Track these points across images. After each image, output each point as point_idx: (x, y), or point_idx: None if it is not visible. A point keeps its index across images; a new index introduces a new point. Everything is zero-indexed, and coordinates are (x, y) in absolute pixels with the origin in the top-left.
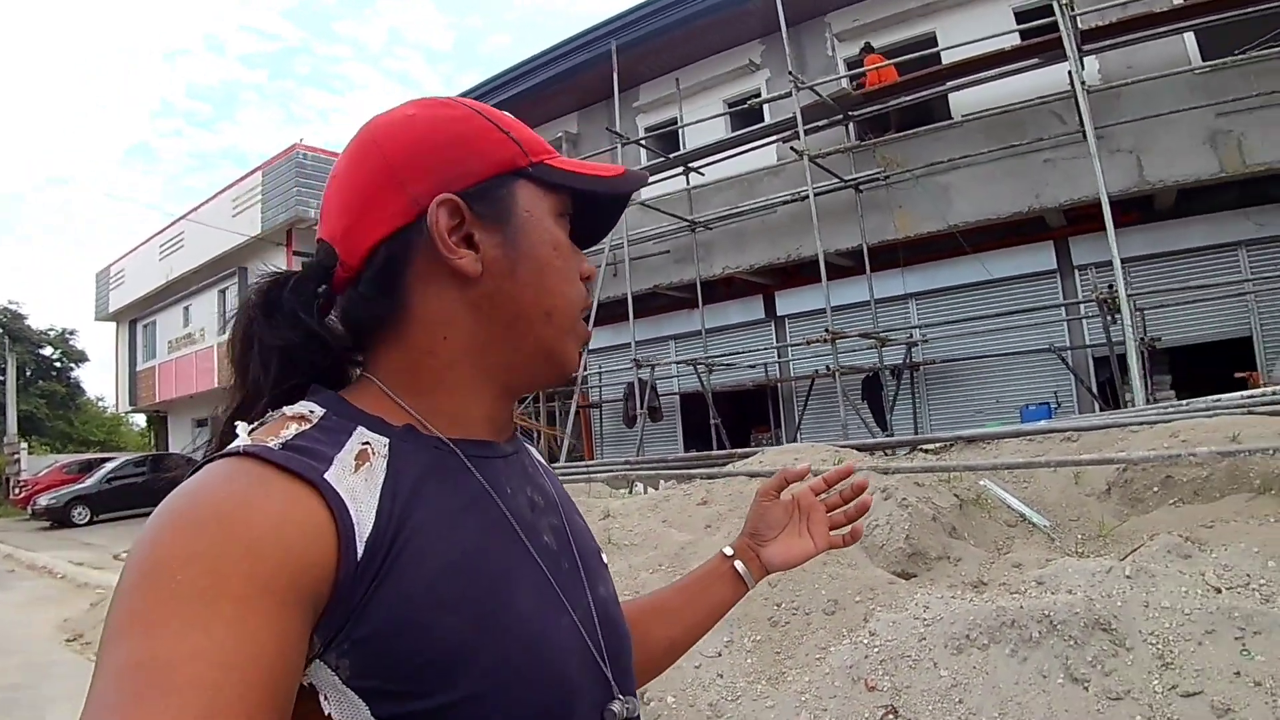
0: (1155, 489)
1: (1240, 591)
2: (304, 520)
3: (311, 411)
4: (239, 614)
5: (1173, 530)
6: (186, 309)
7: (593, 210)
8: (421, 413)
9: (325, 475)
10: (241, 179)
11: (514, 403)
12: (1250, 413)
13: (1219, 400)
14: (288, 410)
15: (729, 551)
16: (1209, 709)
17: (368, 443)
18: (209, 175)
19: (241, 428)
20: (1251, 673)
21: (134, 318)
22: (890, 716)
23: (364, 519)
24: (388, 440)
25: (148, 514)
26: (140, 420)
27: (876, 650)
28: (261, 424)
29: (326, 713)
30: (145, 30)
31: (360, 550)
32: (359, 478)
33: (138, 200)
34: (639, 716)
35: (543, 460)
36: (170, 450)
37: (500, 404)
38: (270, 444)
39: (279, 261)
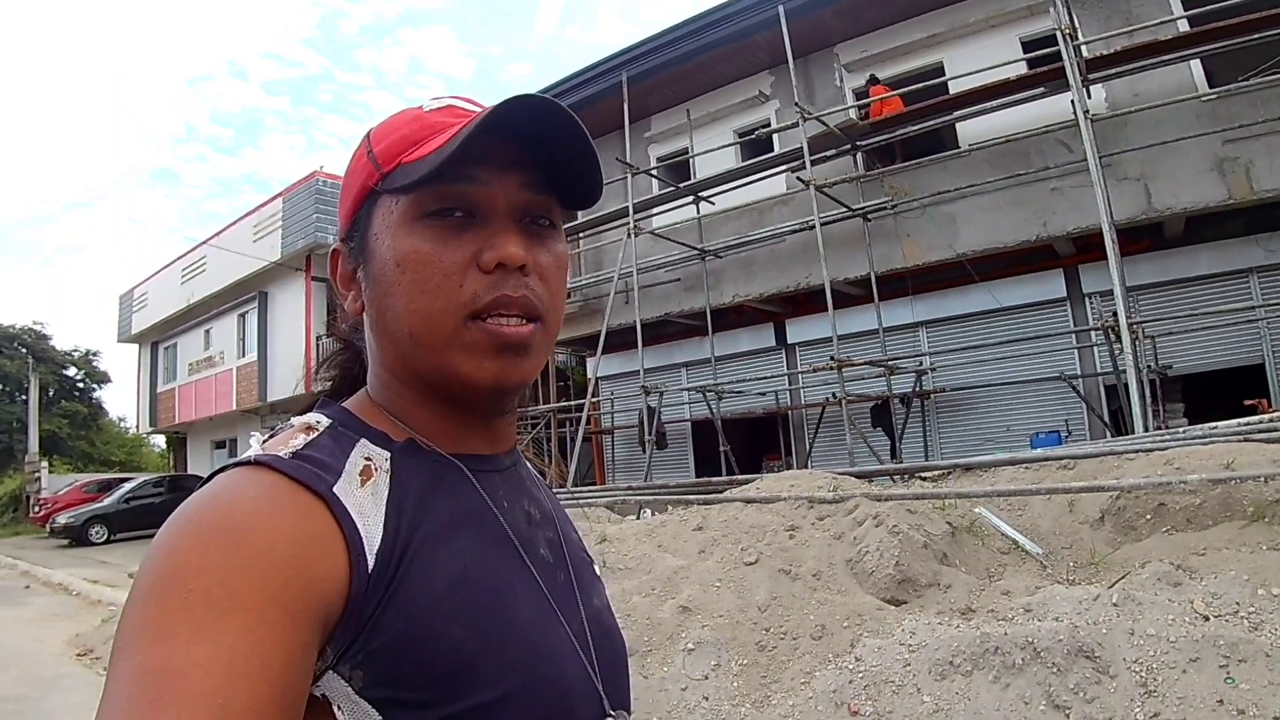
0: (1148, 517)
1: (1228, 619)
2: (315, 534)
3: (319, 422)
4: (249, 625)
5: (1164, 558)
6: (207, 332)
7: (553, 156)
8: (413, 427)
9: (334, 488)
10: (263, 205)
11: (493, 416)
12: (1247, 440)
13: (1215, 428)
14: (295, 421)
15: None
16: None
17: (370, 458)
18: (230, 200)
19: (255, 437)
20: (1235, 701)
21: (155, 340)
22: None
23: (372, 533)
24: (389, 455)
25: None
26: (160, 441)
27: (861, 675)
28: (273, 434)
29: None
30: (170, 56)
31: (371, 564)
32: (365, 492)
33: (158, 224)
34: None
35: (537, 473)
36: (189, 471)
37: (471, 420)
38: (281, 453)
39: (298, 287)
